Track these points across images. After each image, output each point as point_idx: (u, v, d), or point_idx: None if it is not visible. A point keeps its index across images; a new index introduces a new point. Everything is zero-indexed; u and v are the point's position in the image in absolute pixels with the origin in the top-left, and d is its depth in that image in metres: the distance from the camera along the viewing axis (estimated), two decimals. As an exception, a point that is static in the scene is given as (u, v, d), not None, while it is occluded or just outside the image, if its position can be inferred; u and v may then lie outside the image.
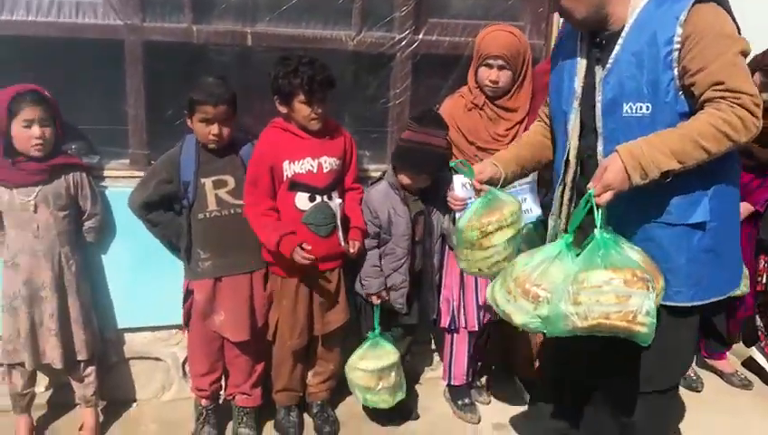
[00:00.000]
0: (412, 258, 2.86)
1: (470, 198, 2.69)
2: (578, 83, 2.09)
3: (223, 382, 2.94)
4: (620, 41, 1.96)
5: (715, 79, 1.82)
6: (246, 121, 2.83)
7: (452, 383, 3.13)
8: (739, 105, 1.81)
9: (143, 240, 2.81)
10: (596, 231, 1.83)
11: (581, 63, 2.09)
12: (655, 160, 1.81)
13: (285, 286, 2.75)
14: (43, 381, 2.91)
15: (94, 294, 2.84)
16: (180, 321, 2.85)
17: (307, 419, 3.00)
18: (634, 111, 1.94)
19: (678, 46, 1.86)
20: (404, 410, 3.02)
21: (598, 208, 1.83)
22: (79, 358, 2.75)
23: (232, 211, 2.70)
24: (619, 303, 1.71)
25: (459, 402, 3.11)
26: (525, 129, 2.73)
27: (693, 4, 1.85)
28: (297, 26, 2.93)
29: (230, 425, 2.93)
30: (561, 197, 2.22)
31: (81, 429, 2.83)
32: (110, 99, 2.86)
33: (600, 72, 2.02)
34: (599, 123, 2.02)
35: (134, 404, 3.09)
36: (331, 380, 2.98)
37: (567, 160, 2.17)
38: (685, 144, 1.82)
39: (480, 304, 2.95)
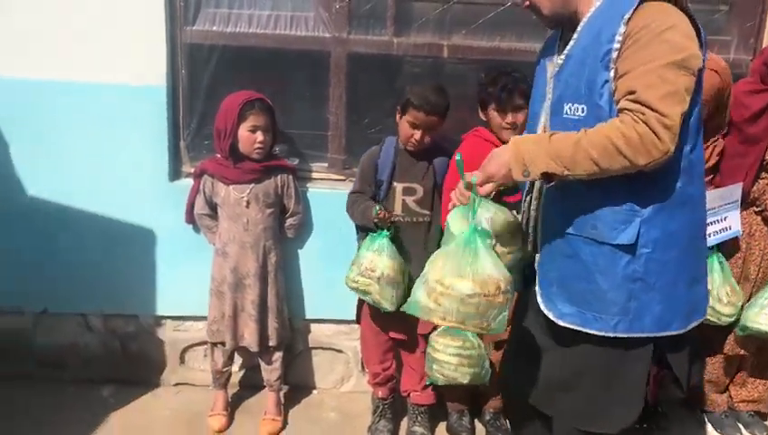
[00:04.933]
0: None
1: None
2: (548, 85, 1.93)
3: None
4: (575, 36, 1.80)
5: (631, 87, 1.63)
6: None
7: None
8: (643, 121, 1.59)
9: (335, 239, 2.99)
10: (468, 227, 1.77)
11: (554, 64, 1.92)
12: (537, 160, 1.68)
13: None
14: (238, 361, 3.18)
15: (288, 286, 3.06)
16: (362, 316, 3.00)
17: (479, 425, 3.04)
18: (572, 112, 1.77)
19: (618, 46, 1.67)
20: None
21: (478, 198, 1.76)
22: (270, 344, 2.97)
23: (414, 219, 2.78)
24: (477, 314, 1.74)
25: None
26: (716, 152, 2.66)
27: (642, 1, 1.66)
28: (492, 39, 2.99)
29: (404, 421, 3.03)
30: (529, 206, 2.02)
31: (266, 413, 3.05)
32: (313, 106, 3.07)
33: (552, 71, 1.88)
34: (547, 124, 1.87)
35: (314, 392, 3.29)
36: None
37: None
38: (575, 151, 1.65)
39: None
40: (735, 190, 2.72)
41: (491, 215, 1.86)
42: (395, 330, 2.89)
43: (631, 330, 1.82)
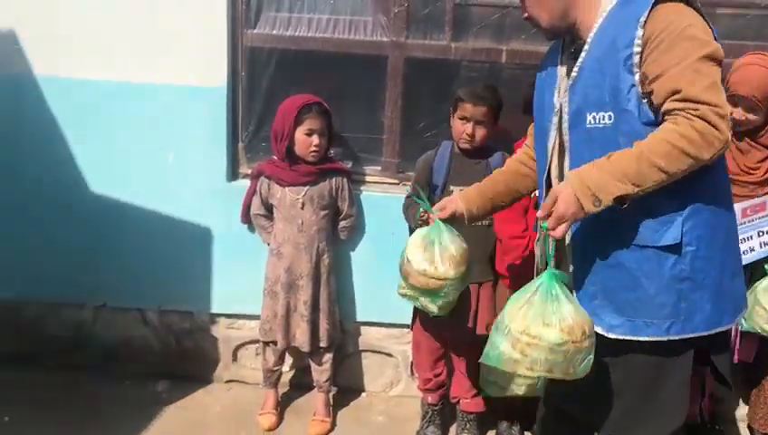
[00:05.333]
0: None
1: None
2: (556, 97, 1.90)
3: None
4: (586, 47, 1.79)
5: (673, 87, 1.62)
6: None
7: None
8: (698, 117, 1.59)
9: (388, 243, 2.98)
10: (545, 273, 1.73)
11: (560, 76, 1.91)
12: (606, 186, 1.64)
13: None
14: (288, 361, 3.21)
15: (340, 288, 3.08)
16: (411, 321, 3.00)
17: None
18: (597, 121, 1.75)
19: (639, 49, 1.67)
20: None
21: (552, 242, 1.71)
22: (320, 345, 2.99)
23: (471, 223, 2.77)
24: (565, 360, 1.71)
25: None
26: None
27: (655, 4, 1.66)
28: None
29: (453, 428, 3.01)
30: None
31: (315, 414, 3.06)
32: (369, 109, 3.09)
33: (566, 83, 1.85)
34: (565, 136, 1.85)
35: (363, 394, 3.30)
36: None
37: (549, 181, 1.97)
38: (639, 165, 1.62)
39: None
40: None
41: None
42: (448, 337, 2.88)
43: (684, 331, 1.80)
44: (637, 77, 1.70)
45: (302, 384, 3.25)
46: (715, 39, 1.70)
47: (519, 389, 1.93)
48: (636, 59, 1.69)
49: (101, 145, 3.05)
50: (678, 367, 1.86)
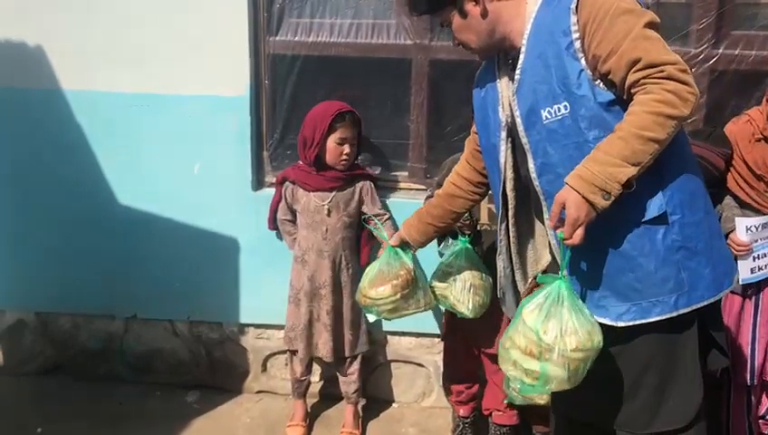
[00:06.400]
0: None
1: (755, 242, 2.42)
2: (501, 112, 1.91)
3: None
4: (523, 49, 1.80)
5: (631, 58, 1.62)
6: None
7: None
8: (666, 78, 1.61)
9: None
10: (561, 283, 1.71)
11: (501, 91, 1.91)
12: (610, 175, 1.62)
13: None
14: (317, 371, 3.16)
15: (367, 297, 3.02)
16: (443, 331, 2.92)
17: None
18: (553, 114, 1.76)
19: (578, 35, 1.70)
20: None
21: (568, 250, 1.69)
22: (344, 355, 2.93)
23: (501, 227, 2.69)
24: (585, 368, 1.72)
25: None
26: None
27: None
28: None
29: (486, 441, 2.93)
30: (507, 235, 2.02)
31: (344, 425, 3.01)
32: (395, 114, 3.03)
33: (512, 88, 1.84)
34: (524, 140, 1.84)
35: (394, 405, 3.23)
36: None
37: (504, 194, 1.98)
38: (632, 144, 1.62)
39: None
40: None
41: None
42: (482, 345, 2.79)
43: (691, 302, 1.79)
44: (583, 62, 1.71)
45: (331, 395, 3.20)
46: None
47: (541, 398, 1.86)
48: (578, 44, 1.71)
49: (129, 158, 3.06)
50: (689, 341, 1.86)
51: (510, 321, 1.88)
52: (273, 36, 2.97)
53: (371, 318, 2.45)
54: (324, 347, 2.89)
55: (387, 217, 2.92)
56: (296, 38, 2.96)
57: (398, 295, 2.29)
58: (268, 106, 3.04)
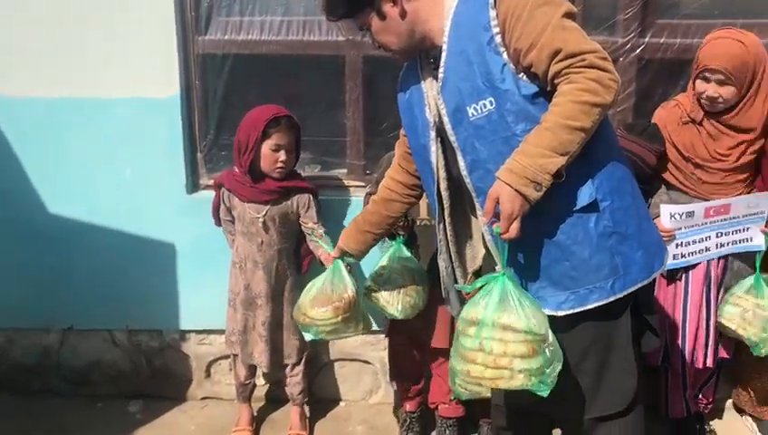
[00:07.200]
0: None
1: (679, 230, 2.49)
2: (428, 112, 1.91)
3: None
4: (444, 47, 1.80)
5: (552, 49, 1.64)
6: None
7: None
8: (587, 67, 1.63)
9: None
10: (502, 277, 1.73)
11: (426, 91, 1.91)
12: (540, 166, 1.64)
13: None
14: (262, 374, 3.12)
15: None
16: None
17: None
18: (479, 111, 1.76)
19: (498, 30, 1.71)
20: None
21: (506, 244, 1.71)
22: (287, 362, 2.89)
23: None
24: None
25: None
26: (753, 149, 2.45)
27: None
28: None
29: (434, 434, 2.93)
30: (445, 234, 2.04)
31: (291, 428, 2.97)
32: (330, 111, 3.00)
33: (436, 87, 1.85)
34: (452, 138, 1.85)
35: (341, 404, 3.21)
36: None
37: (439, 194, 1.98)
38: (559, 135, 1.64)
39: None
40: (764, 201, 2.51)
41: None
42: (426, 340, 2.78)
43: (626, 285, 1.83)
44: (505, 56, 1.72)
45: (277, 398, 3.16)
46: None
47: (487, 390, 1.87)
48: (498, 39, 1.72)
49: (57, 164, 2.95)
50: (624, 325, 1.91)
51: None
52: (203, 35, 2.90)
53: (308, 337, 2.41)
54: (260, 356, 2.82)
55: (322, 231, 2.81)
56: (226, 37, 2.90)
57: (340, 318, 2.28)
58: (200, 107, 2.97)
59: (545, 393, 1.74)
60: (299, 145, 2.74)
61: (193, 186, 3.02)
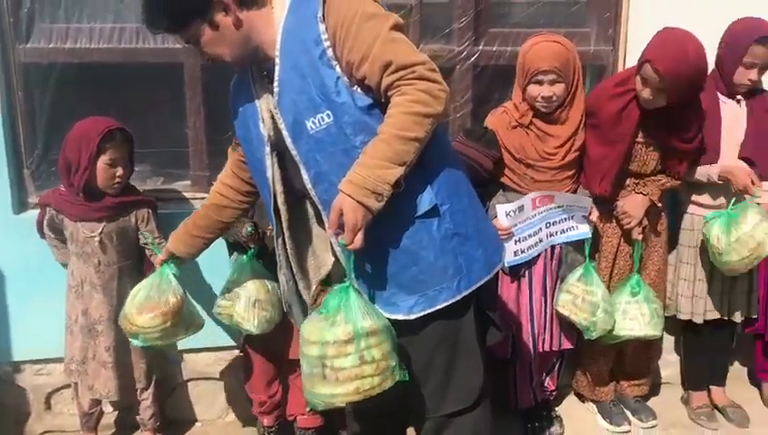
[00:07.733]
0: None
1: (515, 226, 2.61)
2: (262, 126, 1.92)
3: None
4: (277, 60, 1.81)
5: (382, 63, 1.68)
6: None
7: None
8: (417, 79, 1.69)
9: (203, 260, 2.78)
10: (347, 284, 1.77)
11: (260, 105, 1.92)
12: (378, 177, 1.68)
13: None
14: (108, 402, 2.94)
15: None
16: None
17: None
18: (318, 124, 1.78)
19: (329, 43, 1.73)
20: None
21: (351, 255, 1.75)
22: (138, 386, 2.75)
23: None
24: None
25: None
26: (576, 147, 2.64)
27: None
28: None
29: (293, 448, 2.89)
30: (285, 248, 2.03)
31: (142, 454, 2.84)
32: (170, 121, 2.90)
33: (272, 101, 1.85)
34: (293, 151, 1.85)
35: (197, 424, 3.09)
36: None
37: (276, 208, 1.99)
38: (394, 146, 1.69)
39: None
40: (585, 201, 2.71)
41: None
42: (281, 353, 2.74)
43: (471, 283, 1.90)
44: (338, 69, 1.74)
45: (129, 423, 2.98)
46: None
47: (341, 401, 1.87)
48: (330, 53, 1.73)
49: None
50: (468, 322, 1.97)
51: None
52: (24, 44, 2.70)
53: (136, 343, 2.32)
54: (105, 386, 2.64)
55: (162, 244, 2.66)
56: (51, 45, 2.72)
57: (168, 324, 2.22)
58: (25, 120, 2.76)
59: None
60: (133, 157, 2.61)
61: (20, 205, 2.80)
